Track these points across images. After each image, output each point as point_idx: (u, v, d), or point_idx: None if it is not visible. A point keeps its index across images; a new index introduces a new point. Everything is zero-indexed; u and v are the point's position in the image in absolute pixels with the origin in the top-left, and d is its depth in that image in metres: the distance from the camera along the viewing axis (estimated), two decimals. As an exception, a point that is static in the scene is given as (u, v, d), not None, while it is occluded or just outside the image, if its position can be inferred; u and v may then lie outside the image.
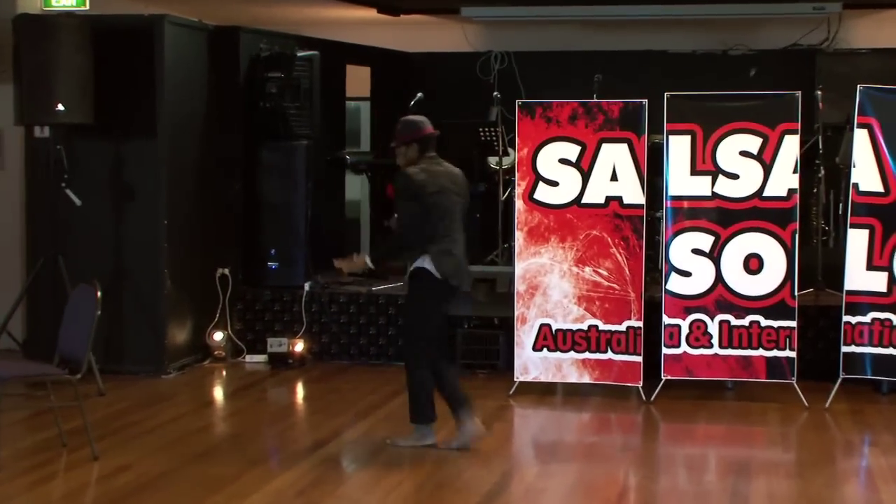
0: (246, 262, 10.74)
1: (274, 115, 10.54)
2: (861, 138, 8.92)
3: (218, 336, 10.43)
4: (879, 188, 8.90)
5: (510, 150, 10.75)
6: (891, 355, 8.94)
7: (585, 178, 9.18)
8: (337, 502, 6.72)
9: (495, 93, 11.24)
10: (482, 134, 11.29)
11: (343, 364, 10.39)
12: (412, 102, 10.99)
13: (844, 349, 8.98)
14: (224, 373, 10.19)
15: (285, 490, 6.86)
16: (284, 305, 10.57)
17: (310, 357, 10.41)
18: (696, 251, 9.09)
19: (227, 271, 10.51)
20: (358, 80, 12.89)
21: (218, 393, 9.79)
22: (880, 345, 8.96)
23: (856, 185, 8.95)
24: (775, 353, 9.00)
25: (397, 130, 7.71)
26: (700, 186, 9.08)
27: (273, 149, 10.63)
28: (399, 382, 9.52)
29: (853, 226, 8.96)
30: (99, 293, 7.25)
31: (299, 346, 10.33)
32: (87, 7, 9.56)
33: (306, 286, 10.57)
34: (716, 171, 9.06)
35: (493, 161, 11.38)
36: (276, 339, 10.37)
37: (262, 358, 10.41)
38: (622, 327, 9.13)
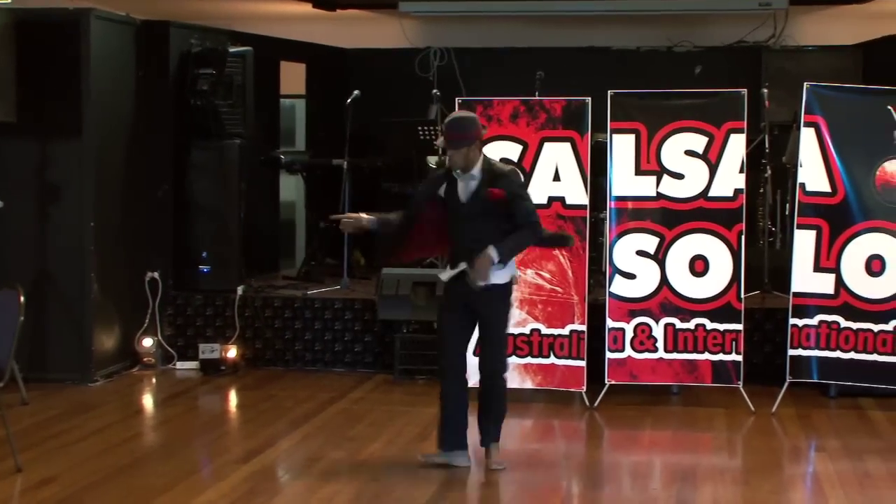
0: (176, 265, 10.52)
1: (205, 113, 10.33)
2: (808, 137, 8.87)
3: (147, 342, 10.22)
4: (826, 188, 8.84)
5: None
6: (838, 358, 8.90)
7: (527, 178, 9.02)
8: (271, 514, 6.59)
9: (434, 90, 11.07)
10: (421, 132, 11.19)
11: (277, 370, 10.21)
12: (349, 100, 10.81)
13: (791, 352, 8.93)
14: (154, 380, 9.99)
15: (217, 502, 6.73)
16: (217, 310, 10.37)
17: (243, 363, 10.22)
18: (641, 253, 8.99)
19: (156, 275, 10.31)
20: (293, 76, 12.69)
21: (147, 401, 9.59)
22: (827, 348, 8.91)
23: (802, 185, 8.90)
24: (721, 356, 8.91)
25: (462, 129, 7.22)
26: (644, 186, 8.97)
27: (204, 148, 10.43)
28: (335, 389, 9.44)
29: (800, 226, 8.91)
30: (22, 298, 7.12)
31: (232, 352, 10.14)
32: (9, 0, 9.27)
33: (239, 290, 10.39)
34: (660, 171, 8.98)
35: (432, 160, 11.23)
36: (208, 344, 10.17)
37: (193, 364, 10.21)
38: (565, 331, 9.00)
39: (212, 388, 9.72)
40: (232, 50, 10.59)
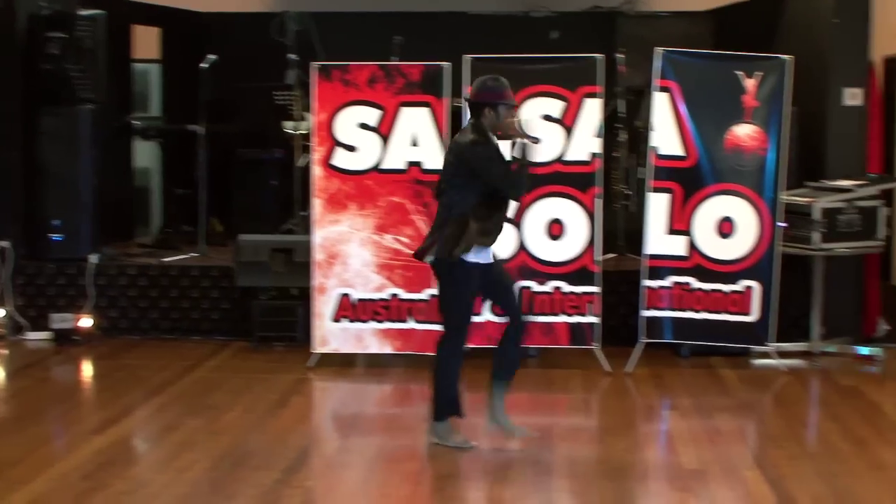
0: (27, 234, 10.29)
1: (55, 77, 10.10)
2: (661, 102, 8.97)
3: (-3, 313, 9.97)
4: (679, 152, 9.00)
5: (307, 114, 10.50)
6: (690, 319, 9.08)
7: (385, 143, 9.00)
8: (127, 484, 6.49)
9: (291, 55, 10.94)
10: (278, 98, 11.01)
11: (133, 339, 10.04)
12: (205, 65, 10.63)
13: (645, 313, 9.05)
14: (4, 352, 9.74)
15: (70, 473, 6.62)
16: (69, 279, 10.16)
17: (98, 333, 10.02)
18: (499, 217, 8.97)
19: (6, 244, 10.05)
20: (146, 41, 12.42)
21: (-3, 373, 9.40)
22: (679, 308, 9.08)
23: (656, 149, 8.98)
24: (577, 318, 9.03)
25: None
26: (502, 151, 8.94)
27: (55, 114, 10.21)
28: (192, 357, 9.34)
29: (654, 190, 9.00)
30: None
31: (86, 322, 9.92)
32: None
33: (93, 258, 10.17)
34: (518, 134, 8.95)
35: (289, 126, 11.13)
36: (61, 314, 9.95)
37: (45, 335, 9.98)
38: (424, 296, 9.02)
39: (65, 358, 9.52)
40: (82, 13, 10.34)
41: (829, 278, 9.47)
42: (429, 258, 7.05)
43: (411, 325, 9.05)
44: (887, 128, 10.88)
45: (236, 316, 10.02)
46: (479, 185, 6.92)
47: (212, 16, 12.94)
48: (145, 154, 12.78)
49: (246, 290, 9.88)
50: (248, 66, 11.85)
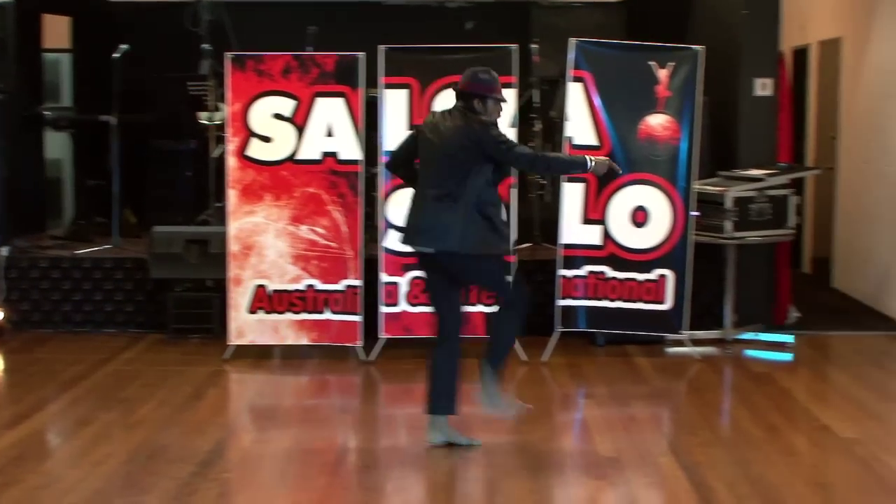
0: (-65, 226, 10.05)
1: (-38, 68, 9.90)
2: (575, 92, 9.02)
3: None
4: (594, 141, 9.05)
5: (221, 104, 10.43)
6: (605, 307, 9.13)
7: (300, 133, 8.96)
8: (40, 479, 6.43)
9: (205, 45, 10.84)
10: (192, 88, 10.92)
11: (46, 333, 9.90)
12: (117, 55, 10.51)
13: (560, 302, 9.10)
14: (-87, 346, 9.58)
15: (-18, 469, 6.54)
16: (-20, 272, 9.97)
17: (9, 327, 9.87)
18: (414, 207, 8.97)
19: (-87, 237, 9.84)
20: (57, 30, 12.24)
21: None
22: (594, 297, 9.13)
23: (570, 139, 9.04)
24: (493, 308, 8.97)
25: None
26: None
27: (-39, 104, 10.01)
28: (106, 350, 9.23)
29: (569, 180, 9.05)
30: None
31: (-4, 315, 9.77)
32: None
33: (4, 251, 10.01)
34: (433, 125, 8.95)
35: (203, 116, 11.03)
36: (-29, 308, 9.78)
37: (-45, 329, 9.82)
38: (340, 286, 9.00)
39: (-24, 352, 9.40)
40: (-10, 2, 10.19)
41: (741, 266, 9.60)
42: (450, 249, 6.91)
43: (328, 315, 9.02)
44: (797, 117, 11.06)
45: (151, 308, 9.93)
46: (487, 169, 6.80)
47: (124, 4, 12.79)
48: (57, 145, 12.59)
49: (160, 282, 9.78)
50: (161, 56, 11.73)
